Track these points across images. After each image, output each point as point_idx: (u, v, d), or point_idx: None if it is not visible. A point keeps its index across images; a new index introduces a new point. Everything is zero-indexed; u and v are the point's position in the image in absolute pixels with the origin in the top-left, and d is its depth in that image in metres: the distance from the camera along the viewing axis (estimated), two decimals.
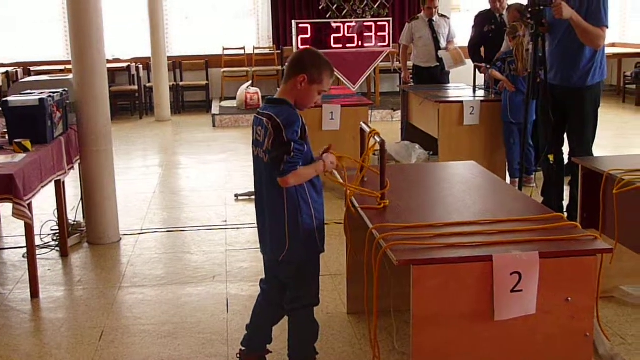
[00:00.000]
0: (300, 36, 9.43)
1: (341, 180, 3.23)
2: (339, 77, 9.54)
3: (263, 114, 2.94)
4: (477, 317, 2.51)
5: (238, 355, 3.29)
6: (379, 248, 2.62)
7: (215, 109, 11.32)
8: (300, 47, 9.33)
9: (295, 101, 2.97)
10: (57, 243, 5.10)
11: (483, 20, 7.61)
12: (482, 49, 7.72)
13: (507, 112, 6.40)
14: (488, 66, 7.04)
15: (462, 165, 3.95)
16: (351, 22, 9.83)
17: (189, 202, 6.56)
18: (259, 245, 3.20)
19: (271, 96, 3.05)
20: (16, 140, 4.42)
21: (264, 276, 3.25)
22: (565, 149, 5.42)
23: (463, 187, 3.46)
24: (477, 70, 7.31)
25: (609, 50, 9.68)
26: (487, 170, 3.80)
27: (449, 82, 8.42)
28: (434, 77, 8.36)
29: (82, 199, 5.44)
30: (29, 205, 4.12)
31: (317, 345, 3.24)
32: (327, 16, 12.21)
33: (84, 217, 5.41)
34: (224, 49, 12.49)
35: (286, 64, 3.03)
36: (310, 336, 3.17)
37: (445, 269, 2.47)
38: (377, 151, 3.15)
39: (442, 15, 8.50)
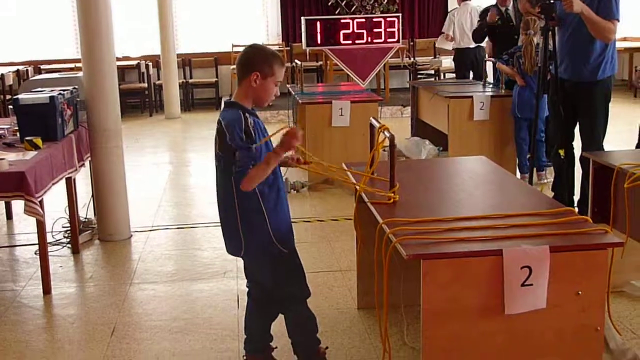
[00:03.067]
0: (309, 33, 9.44)
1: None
2: (348, 73, 9.55)
3: (218, 119, 2.96)
4: (487, 311, 2.51)
5: (244, 357, 3.27)
6: (388, 243, 2.62)
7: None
8: (316, 43, 9.34)
9: (254, 99, 2.97)
10: (68, 240, 5.13)
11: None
12: (490, 45, 7.69)
13: (514, 108, 6.38)
14: (494, 60, 7.03)
15: (472, 160, 3.94)
16: (360, 18, 9.84)
17: (199, 198, 6.58)
18: None
19: (228, 99, 3.04)
20: (27, 138, 4.45)
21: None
22: (577, 143, 5.40)
23: (473, 182, 3.46)
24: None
25: (620, 45, 9.61)
26: (497, 165, 3.79)
27: None
28: None
29: (93, 196, 5.47)
30: (41, 202, 4.14)
31: (327, 340, 3.24)
32: (336, 12, 12.21)
33: (95, 214, 5.43)
34: (233, 46, 12.49)
35: (235, 65, 3.02)
36: (309, 329, 3.16)
37: (455, 263, 2.47)
38: (386, 147, 3.15)
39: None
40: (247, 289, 3.23)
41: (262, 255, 3.02)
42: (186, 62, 12.49)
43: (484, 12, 7.68)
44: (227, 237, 3.06)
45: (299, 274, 3.12)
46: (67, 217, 5.15)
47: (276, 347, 3.29)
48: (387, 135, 3.08)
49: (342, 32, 9.56)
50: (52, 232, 5.19)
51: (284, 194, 3.07)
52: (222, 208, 3.05)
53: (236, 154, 2.83)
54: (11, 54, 12.05)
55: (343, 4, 12.42)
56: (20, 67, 11.28)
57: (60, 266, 4.77)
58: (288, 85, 7.98)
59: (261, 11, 12.94)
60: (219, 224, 3.10)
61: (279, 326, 3.28)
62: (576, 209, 4.98)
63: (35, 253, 4.71)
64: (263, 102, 3.01)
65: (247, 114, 2.91)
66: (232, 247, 3.06)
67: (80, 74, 5.34)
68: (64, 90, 4.81)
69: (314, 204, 6.04)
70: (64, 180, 4.78)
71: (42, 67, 11.58)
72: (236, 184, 2.89)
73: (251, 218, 2.94)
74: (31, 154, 4.33)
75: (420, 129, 7.76)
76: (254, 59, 2.95)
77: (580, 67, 5.03)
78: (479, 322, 2.51)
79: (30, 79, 6.89)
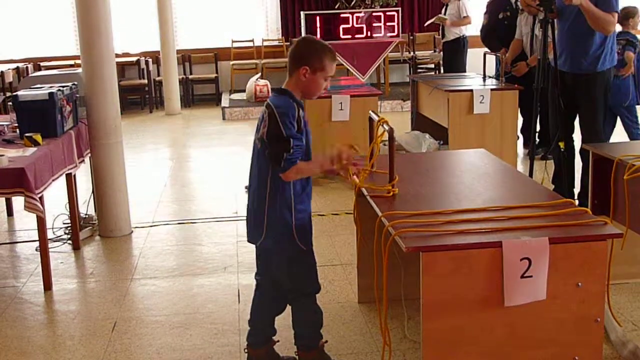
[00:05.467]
0: (309, 27, 9.43)
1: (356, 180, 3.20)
2: (348, 67, 9.54)
3: (266, 103, 2.96)
4: (487, 303, 2.51)
5: (245, 350, 3.29)
6: (388, 236, 2.62)
7: (224, 102, 11.34)
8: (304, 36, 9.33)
9: (303, 92, 2.97)
10: (69, 236, 5.14)
11: (497, 6, 7.40)
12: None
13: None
14: (498, 54, 6.99)
15: (472, 153, 3.94)
16: (360, 12, 9.82)
17: (199, 194, 6.58)
18: None
19: (280, 86, 3.05)
20: (27, 134, 4.45)
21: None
22: (577, 135, 5.39)
23: (473, 174, 3.45)
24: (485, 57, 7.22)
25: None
26: (497, 158, 3.79)
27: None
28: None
29: (93, 192, 5.47)
30: (41, 198, 4.14)
31: (328, 334, 3.23)
32: (336, 7, 12.19)
33: (95, 210, 5.43)
34: (233, 41, 12.49)
35: (288, 55, 3.02)
36: (314, 323, 3.18)
37: (455, 255, 2.47)
38: (386, 140, 3.14)
39: None
40: (255, 281, 3.23)
41: (281, 247, 3.01)
42: (186, 58, 12.47)
43: (491, 4, 7.53)
44: (252, 222, 3.05)
45: (313, 270, 3.14)
46: (68, 213, 5.16)
47: (278, 341, 3.30)
48: (386, 128, 3.08)
49: (341, 26, 9.55)
50: (52, 228, 5.19)
51: (311, 194, 3.08)
52: (253, 190, 3.03)
53: (291, 145, 2.82)
54: (10, 51, 12.05)
55: None
56: (20, 64, 11.27)
57: (61, 262, 4.78)
58: None
59: (260, 6, 12.92)
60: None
61: (280, 320, 3.28)
62: (576, 202, 5.00)
63: (36, 249, 4.70)
64: (312, 96, 3.01)
65: (296, 104, 2.92)
66: (254, 234, 3.05)
67: (79, 70, 5.34)
68: (63, 87, 4.81)
69: (315, 199, 6.02)
70: (64, 177, 4.79)
71: (42, 64, 11.56)
72: (274, 170, 2.88)
73: (279, 209, 2.94)
74: (31, 150, 4.33)
75: (420, 122, 7.73)
76: (304, 53, 2.94)
77: (579, 59, 5.02)
78: (479, 314, 2.51)
79: (30, 75, 6.89)
